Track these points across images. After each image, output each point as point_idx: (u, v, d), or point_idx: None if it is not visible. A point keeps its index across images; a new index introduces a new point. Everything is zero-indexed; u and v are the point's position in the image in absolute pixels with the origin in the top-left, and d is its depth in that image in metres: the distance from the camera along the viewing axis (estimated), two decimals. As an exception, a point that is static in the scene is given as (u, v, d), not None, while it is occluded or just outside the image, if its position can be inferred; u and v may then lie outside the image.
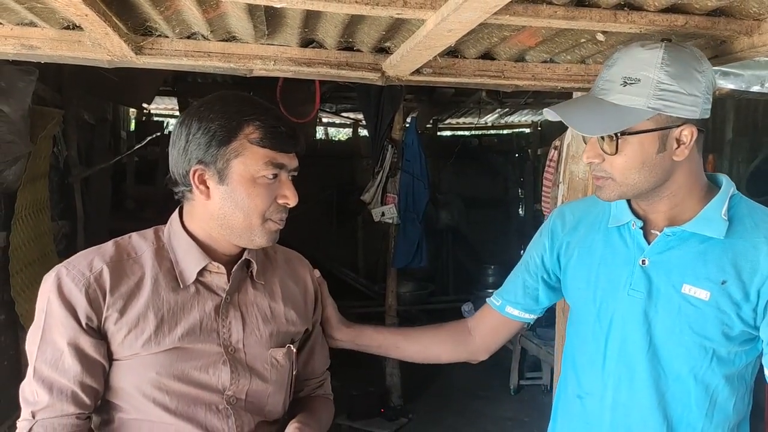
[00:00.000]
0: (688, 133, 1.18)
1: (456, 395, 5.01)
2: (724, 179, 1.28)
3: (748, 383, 1.30)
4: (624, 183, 1.22)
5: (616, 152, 1.19)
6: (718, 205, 1.23)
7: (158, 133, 5.67)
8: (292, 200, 1.25)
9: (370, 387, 4.61)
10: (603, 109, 1.19)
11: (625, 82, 1.17)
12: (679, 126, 1.18)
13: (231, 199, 1.21)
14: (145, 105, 5.25)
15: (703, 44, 1.57)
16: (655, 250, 1.27)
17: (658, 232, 1.28)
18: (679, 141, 1.18)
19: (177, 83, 5.39)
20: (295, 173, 1.28)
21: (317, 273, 1.52)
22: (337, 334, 1.54)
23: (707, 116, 1.20)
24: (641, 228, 1.30)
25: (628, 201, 1.33)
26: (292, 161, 1.25)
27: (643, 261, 1.28)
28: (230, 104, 1.22)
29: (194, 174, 1.21)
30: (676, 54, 1.16)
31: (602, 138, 1.20)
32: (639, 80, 1.16)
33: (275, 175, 1.22)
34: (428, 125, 7.45)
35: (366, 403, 4.48)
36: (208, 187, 1.22)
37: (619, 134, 1.18)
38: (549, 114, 1.25)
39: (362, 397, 4.48)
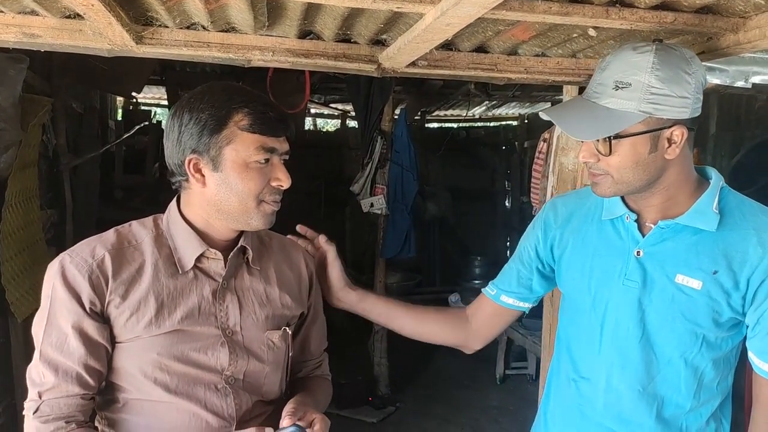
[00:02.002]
0: (678, 134, 1.22)
1: (443, 384, 5.07)
2: (713, 173, 1.34)
3: (732, 365, 1.37)
4: (620, 181, 1.26)
5: (611, 153, 1.23)
6: (710, 199, 1.29)
7: (146, 122, 5.65)
8: (285, 182, 1.29)
9: (358, 376, 4.65)
10: (596, 114, 1.23)
11: (617, 86, 1.21)
12: (669, 127, 1.22)
13: (226, 184, 1.25)
14: (134, 94, 5.22)
15: (691, 40, 1.62)
16: (650, 241, 1.32)
17: (652, 225, 1.33)
18: (670, 141, 1.23)
19: (165, 72, 5.37)
20: (287, 156, 1.31)
21: (324, 237, 1.58)
22: (341, 295, 1.60)
23: (698, 114, 1.24)
24: (635, 221, 1.35)
25: (621, 195, 1.37)
26: (282, 145, 1.29)
27: (638, 252, 1.33)
28: (219, 94, 1.25)
29: (189, 163, 1.25)
30: (666, 57, 1.20)
31: (597, 140, 1.24)
32: (630, 84, 1.20)
33: (267, 160, 1.26)
34: (416, 117, 7.47)
35: (354, 392, 4.52)
36: (203, 175, 1.26)
37: (612, 137, 1.22)
38: (544, 116, 1.30)
39: (350, 386, 4.51)
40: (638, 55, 1.20)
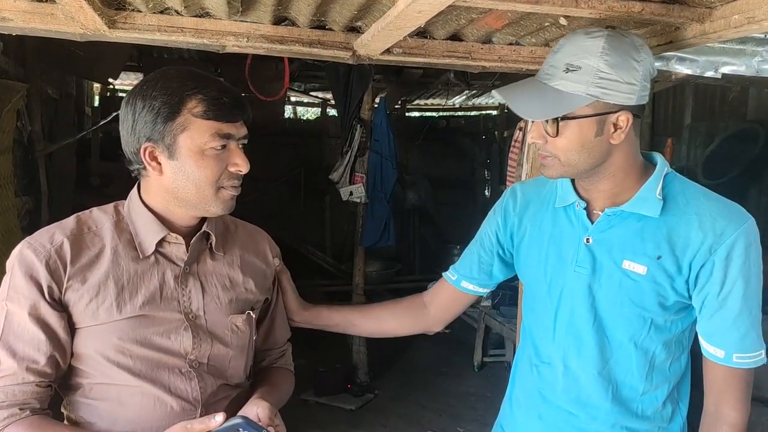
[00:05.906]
0: (624, 119, 1.25)
1: (421, 372, 5.12)
2: (659, 159, 1.37)
3: (685, 346, 1.40)
4: (567, 163, 1.29)
5: (558, 135, 1.26)
6: (653, 186, 1.32)
7: (123, 109, 5.60)
8: (243, 168, 1.27)
9: (337, 364, 4.68)
10: (545, 94, 1.26)
11: (568, 68, 1.24)
12: (615, 112, 1.25)
13: (182, 172, 1.23)
14: (111, 80, 5.17)
15: (659, 30, 1.65)
16: (598, 229, 1.36)
17: (600, 212, 1.36)
18: (615, 126, 1.26)
19: (143, 59, 5.32)
20: (245, 141, 1.29)
21: (277, 261, 1.53)
22: (295, 317, 1.61)
23: (644, 102, 1.27)
24: (584, 208, 1.38)
25: (573, 183, 1.41)
26: (239, 130, 1.27)
27: (587, 239, 1.37)
28: (172, 80, 1.23)
29: (144, 152, 1.23)
30: (616, 44, 1.22)
31: (546, 121, 1.27)
32: (580, 68, 1.22)
33: (224, 146, 1.24)
34: (396, 106, 7.48)
35: (333, 380, 4.55)
36: (159, 163, 1.24)
37: (559, 118, 1.25)
38: (496, 95, 1.32)
39: (329, 374, 4.55)
40: (590, 40, 1.23)
